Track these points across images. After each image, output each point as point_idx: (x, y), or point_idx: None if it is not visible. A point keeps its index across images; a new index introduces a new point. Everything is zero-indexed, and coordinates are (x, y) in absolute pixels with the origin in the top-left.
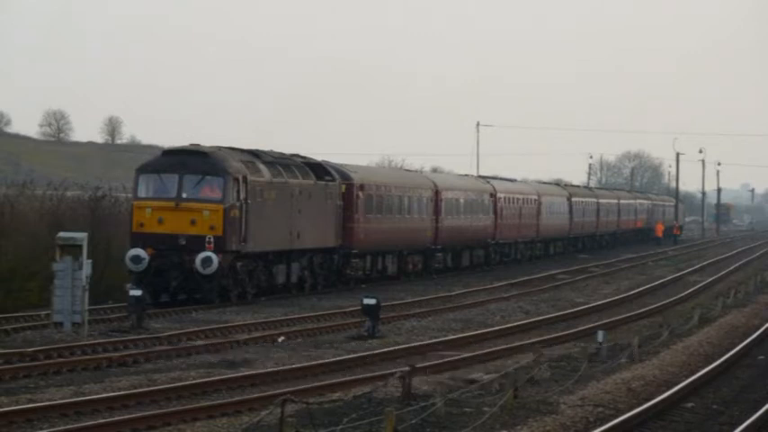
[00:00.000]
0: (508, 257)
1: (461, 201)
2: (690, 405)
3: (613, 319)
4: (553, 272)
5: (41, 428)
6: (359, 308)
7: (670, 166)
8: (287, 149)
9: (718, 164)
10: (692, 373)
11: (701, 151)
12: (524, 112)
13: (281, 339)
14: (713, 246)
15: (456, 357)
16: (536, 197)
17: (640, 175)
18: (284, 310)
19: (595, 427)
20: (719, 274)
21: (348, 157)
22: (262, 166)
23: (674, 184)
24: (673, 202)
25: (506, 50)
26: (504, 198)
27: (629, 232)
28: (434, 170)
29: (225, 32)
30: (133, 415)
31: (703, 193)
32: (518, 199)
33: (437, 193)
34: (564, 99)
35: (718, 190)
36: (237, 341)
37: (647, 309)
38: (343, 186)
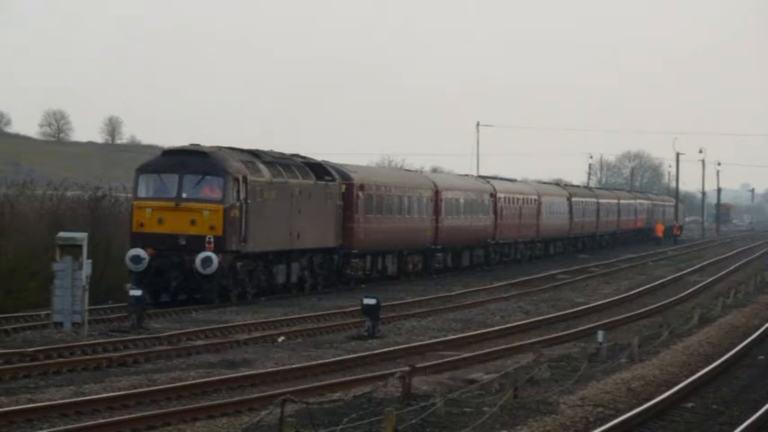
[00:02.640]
0: (508, 257)
1: (461, 201)
2: (690, 405)
3: (613, 319)
4: (553, 272)
5: (41, 428)
6: (359, 308)
7: (670, 166)
8: (287, 149)
9: (718, 164)
10: (692, 373)
11: (700, 151)
12: (524, 113)
13: (281, 339)
14: (713, 246)
15: (456, 357)
16: (536, 197)
17: (640, 175)
18: (284, 310)
19: (595, 427)
20: (719, 274)
21: (348, 157)
22: (262, 166)
23: (674, 184)
24: (673, 202)
25: (506, 50)
26: (504, 198)
27: (630, 232)
28: (434, 170)
29: (225, 32)
30: (133, 415)
31: (703, 193)
32: (518, 199)
33: (437, 193)
34: (564, 99)
35: (718, 190)
36: (237, 341)
37: (647, 309)
38: (343, 186)
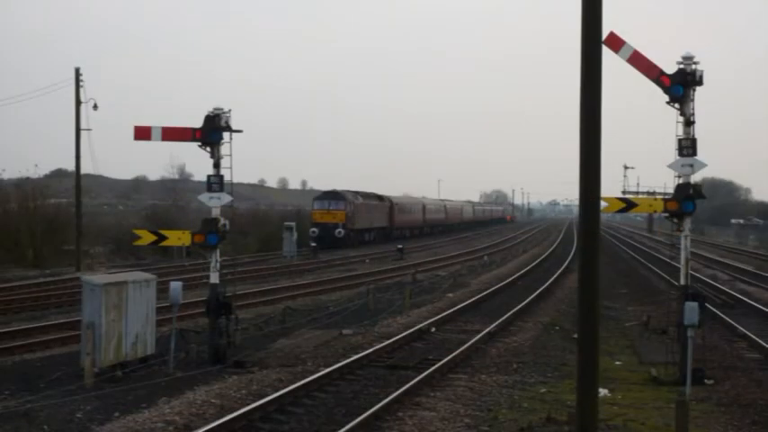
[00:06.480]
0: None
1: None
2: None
3: (494, 251)
4: (463, 235)
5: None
6: (396, 248)
7: (513, 191)
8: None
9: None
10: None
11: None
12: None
13: (367, 261)
14: (522, 223)
15: (435, 266)
16: (421, 205)
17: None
18: (367, 249)
19: (486, 289)
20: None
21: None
22: (360, 197)
23: (517, 200)
24: (510, 208)
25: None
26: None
27: (493, 220)
28: (424, 196)
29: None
30: None
31: (527, 203)
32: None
33: (424, 207)
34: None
35: (528, 202)
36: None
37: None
38: (388, 203)
